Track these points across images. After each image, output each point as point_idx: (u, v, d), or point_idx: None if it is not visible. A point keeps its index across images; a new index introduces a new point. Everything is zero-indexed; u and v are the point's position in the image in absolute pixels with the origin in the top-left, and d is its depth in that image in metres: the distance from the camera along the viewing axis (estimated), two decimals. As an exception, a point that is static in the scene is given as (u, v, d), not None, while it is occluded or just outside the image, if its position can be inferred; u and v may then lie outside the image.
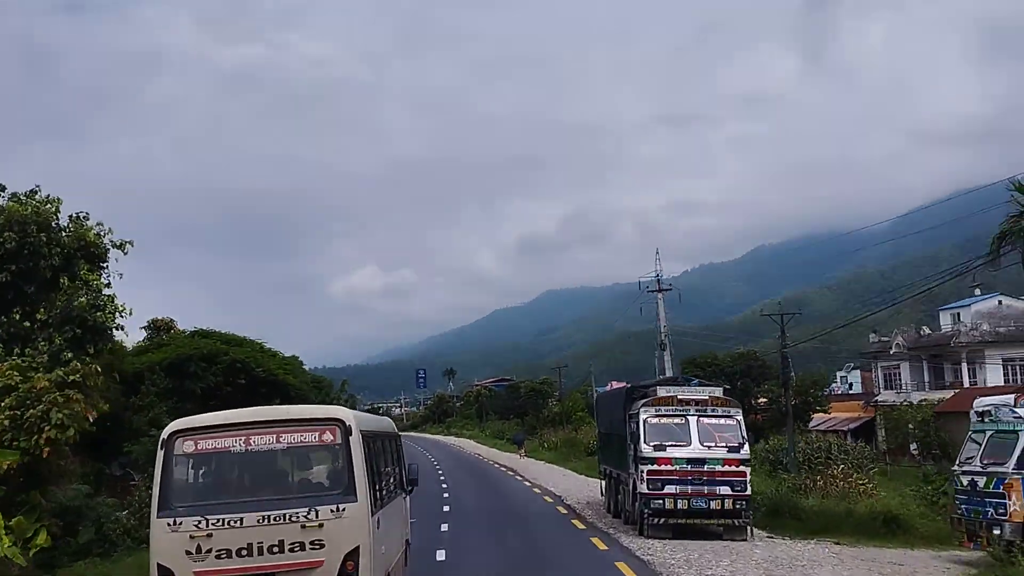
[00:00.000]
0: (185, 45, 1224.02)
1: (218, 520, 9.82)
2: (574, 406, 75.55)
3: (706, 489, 19.13)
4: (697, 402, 19.81)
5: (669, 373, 39.56)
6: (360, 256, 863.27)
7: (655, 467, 19.24)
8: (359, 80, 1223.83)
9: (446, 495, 30.86)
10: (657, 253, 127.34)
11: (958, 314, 53.56)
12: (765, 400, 50.00)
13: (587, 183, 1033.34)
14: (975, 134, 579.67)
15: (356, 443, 10.24)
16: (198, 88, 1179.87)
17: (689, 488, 19.15)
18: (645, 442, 19.48)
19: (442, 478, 38.91)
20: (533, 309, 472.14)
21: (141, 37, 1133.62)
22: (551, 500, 28.29)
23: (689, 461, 19.24)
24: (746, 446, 19.73)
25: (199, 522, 9.81)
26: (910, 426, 46.23)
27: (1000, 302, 51.41)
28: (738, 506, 19.19)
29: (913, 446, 45.78)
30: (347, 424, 10.33)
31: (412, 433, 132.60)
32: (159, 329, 46.44)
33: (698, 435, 19.47)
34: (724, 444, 19.45)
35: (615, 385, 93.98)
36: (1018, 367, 48.25)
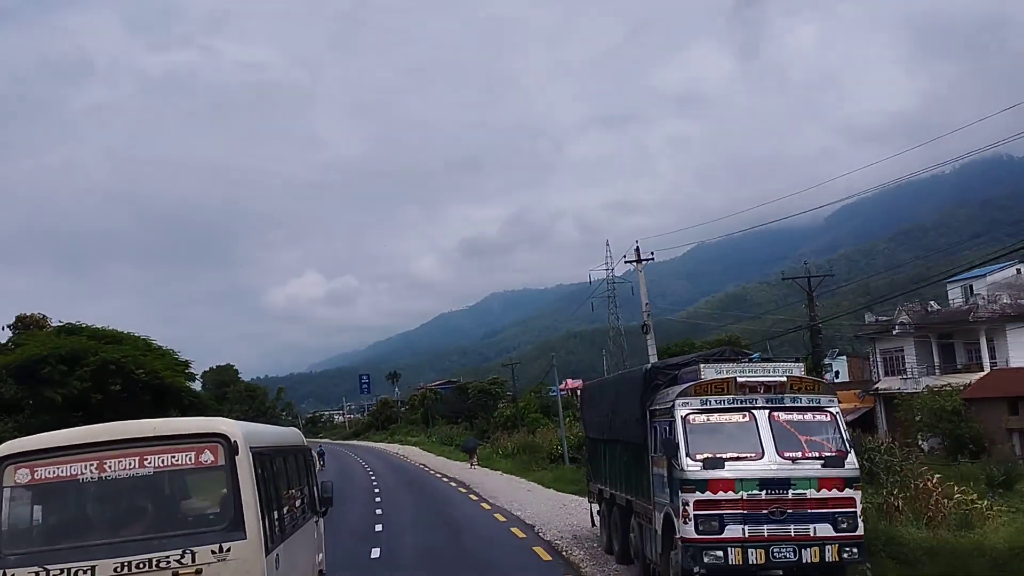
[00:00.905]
0: (114, 52, 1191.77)
1: (63, 571, 7.54)
2: (528, 407, 68.12)
3: (793, 530, 11.41)
4: (767, 386, 12.04)
5: (654, 359, 31.98)
6: (300, 263, 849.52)
7: (707, 496, 11.46)
8: (293, 84, 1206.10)
9: (378, 527, 22.77)
10: (608, 245, 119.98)
11: (970, 286, 46.65)
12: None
13: (527, 185, 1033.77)
14: (902, 130, 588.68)
15: (245, 463, 8.06)
16: (128, 95, 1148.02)
17: (766, 529, 11.40)
18: (688, 455, 11.68)
19: (377, 499, 30.90)
20: (478, 312, 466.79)
21: (68, 44, 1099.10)
22: (522, 534, 20.24)
23: (763, 484, 11.48)
24: (852, 456, 11.94)
25: (37, 573, 7.50)
26: (917, 416, 39.26)
27: (1019, 270, 44.63)
28: (847, 555, 11.46)
29: (926, 439, 38.80)
30: (232, 440, 8.08)
31: (354, 442, 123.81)
32: (28, 327, 37.41)
33: (774, 440, 11.75)
34: (816, 453, 11.75)
35: (572, 384, 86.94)
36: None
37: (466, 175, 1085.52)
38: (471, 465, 45.26)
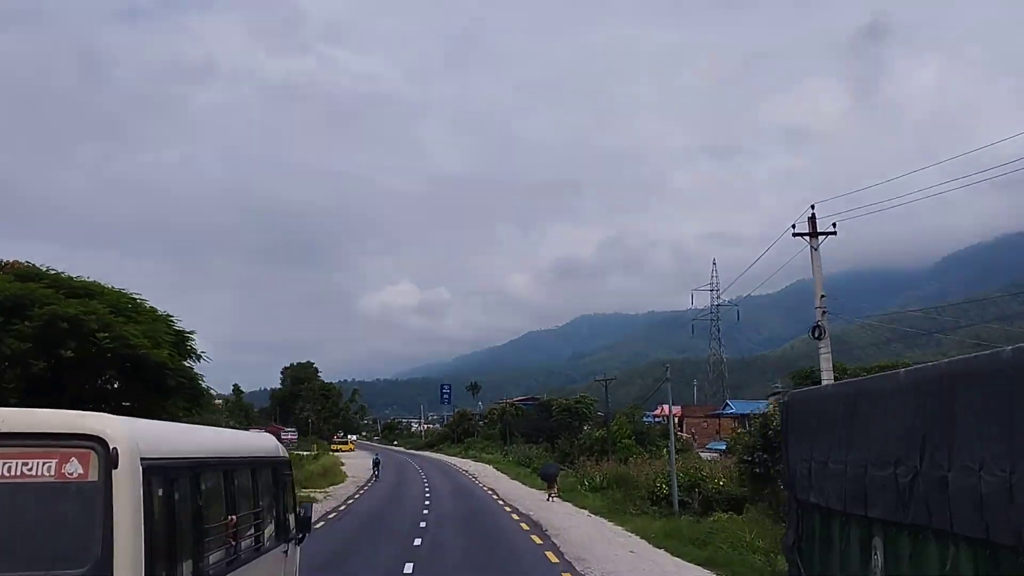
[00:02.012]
0: (236, 56, 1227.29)
1: None
2: (620, 431, 58.30)
3: None
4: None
5: (828, 375, 22.00)
6: (396, 272, 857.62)
7: None
8: (404, 97, 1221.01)
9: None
10: (714, 264, 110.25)
11: None
12: None
13: (626, 209, 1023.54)
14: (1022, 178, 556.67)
15: (128, 481, 5.60)
16: (246, 98, 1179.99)
17: None
18: None
19: (416, 542, 21.78)
20: (567, 333, 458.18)
21: (193, 46, 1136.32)
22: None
23: None
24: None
25: None
26: None
27: None
28: None
29: None
30: (111, 447, 5.59)
31: (426, 452, 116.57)
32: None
33: None
34: None
35: (666, 411, 77.01)
36: None
37: (566, 196, 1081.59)
38: (549, 497, 35.93)
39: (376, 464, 56.75)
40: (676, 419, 79.35)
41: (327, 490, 41.75)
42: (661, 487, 32.56)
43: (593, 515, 30.39)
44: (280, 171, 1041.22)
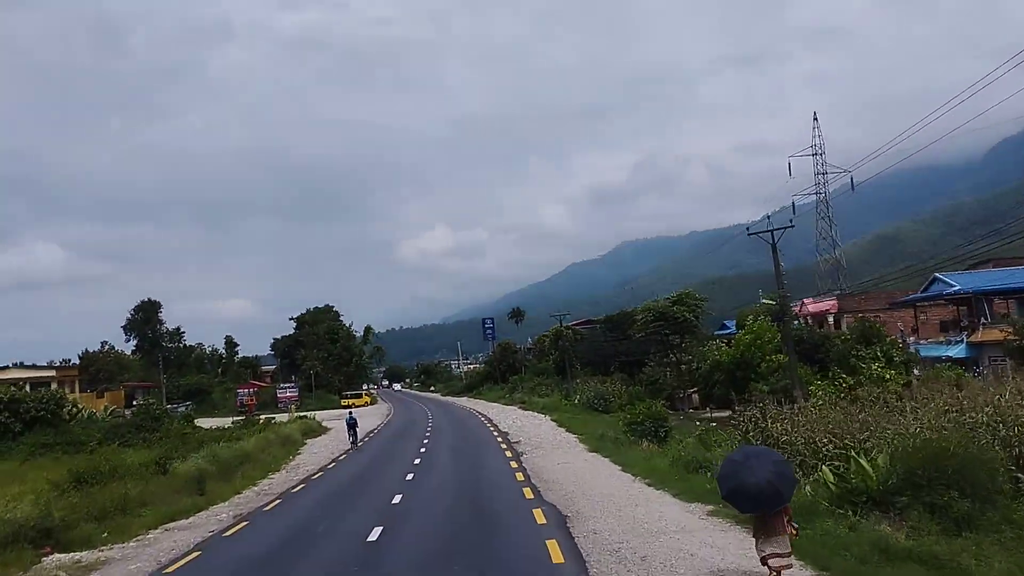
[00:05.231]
0: (251, 14, 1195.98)
1: None
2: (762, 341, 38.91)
3: None
4: None
5: None
6: (430, 217, 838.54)
7: None
8: (422, 38, 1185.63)
9: None
10: (815, 118, 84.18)
11: None
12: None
13: (655, 130, 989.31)
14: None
15: None
16: (264, 56, 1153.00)
17: None
18: None
19: None
20: (610, 261, 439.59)
21: (208, 8, 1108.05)
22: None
23: None
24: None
25: None
26: None
27: None
28: None
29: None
30: None
31: (463, 399, 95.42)
32: None
33: None
34: None
35: (817, 306, 52.77)
36: None
37: (593, 122, 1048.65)
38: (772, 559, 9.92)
39: (351, 426, 38.64)
40: (831, 316, 56.56)
41: (241, 493, 24.31)
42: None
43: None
44: (304, 125, 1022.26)
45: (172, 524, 18.91)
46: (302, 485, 25.57)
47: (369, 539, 15.25)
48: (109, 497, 19.81)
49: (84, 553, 15.86)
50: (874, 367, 35.37)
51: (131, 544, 16.81)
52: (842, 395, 26.88)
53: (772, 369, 37.19)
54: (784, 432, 17.87)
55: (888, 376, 33.84)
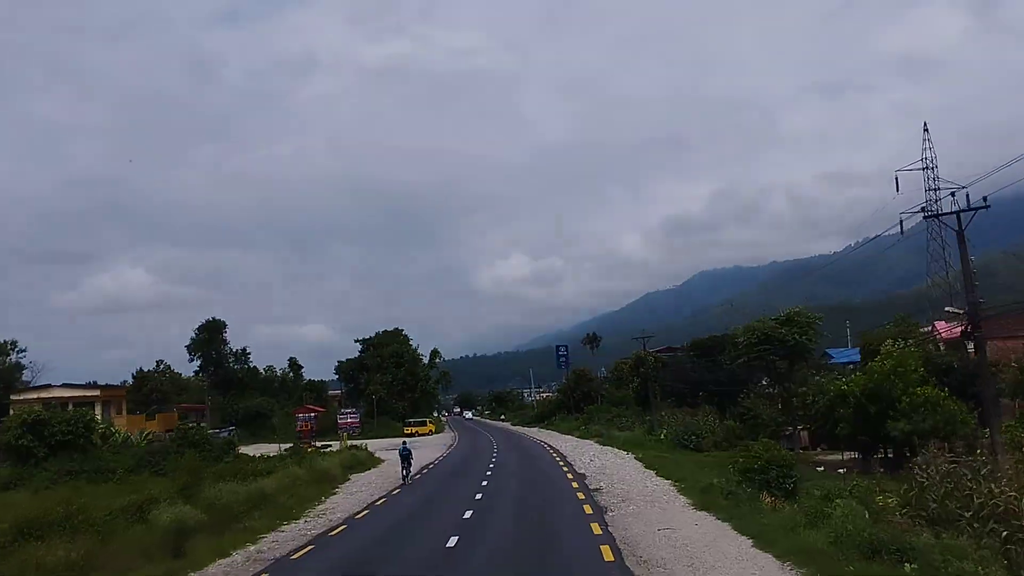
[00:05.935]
0: (335, 45, 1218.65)
1: None
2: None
3: None
4: None
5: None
6: (507, 245, 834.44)
7: None
8: (502, 68, 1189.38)
9: None
10: (925, 129, 74.64)
11: None
12: None
13: (735, 160, 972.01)
14: None
15: None
16: (348, 86, 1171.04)
17: None
18: None
19: None
20: (685, 291, 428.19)
21: (294, 40, 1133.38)
22: None
23: None
24: None
25: None
26: None
27: None
28: None
29: None
30: None
31: (533, 429, 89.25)
32: None
33: None
34: None
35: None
36: None
37: (672, 151, 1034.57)
38: None
39: (405, 458, 32.96)
40: (970, 344, 46.45)
41: (230, 555, 18.14)
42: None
43: None
44: (386, 153, 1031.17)
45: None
46: (311, 546, 19.21)
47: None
48: (32, 564, 13.87)
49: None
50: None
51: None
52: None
53: (916, 405, 29.71)
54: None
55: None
